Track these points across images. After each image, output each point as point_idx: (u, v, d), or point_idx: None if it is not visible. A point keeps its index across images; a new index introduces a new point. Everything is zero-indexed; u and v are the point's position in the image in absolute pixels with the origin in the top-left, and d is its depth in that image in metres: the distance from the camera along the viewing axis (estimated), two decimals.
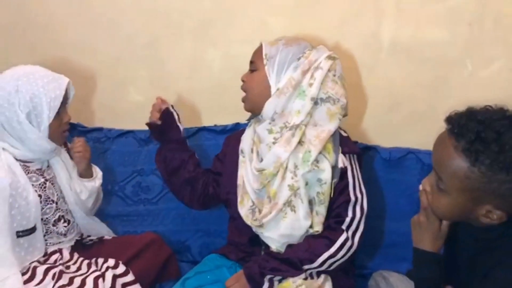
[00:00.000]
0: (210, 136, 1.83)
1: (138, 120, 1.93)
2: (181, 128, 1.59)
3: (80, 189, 1.56)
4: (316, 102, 1.40)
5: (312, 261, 1.35)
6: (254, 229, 1.46)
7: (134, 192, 1.86)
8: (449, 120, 1.01)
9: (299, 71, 1.40)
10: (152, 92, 1.93)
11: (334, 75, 1.42)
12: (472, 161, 0.95)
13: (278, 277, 1.36)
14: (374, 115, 1.77)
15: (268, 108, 1.41)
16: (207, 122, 1.87)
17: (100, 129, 1.90)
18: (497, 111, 0.99)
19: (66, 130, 1.51)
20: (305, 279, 1.36)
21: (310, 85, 1.39)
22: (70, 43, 1.93)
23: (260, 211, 1.44)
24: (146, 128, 1.90)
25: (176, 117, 1.58)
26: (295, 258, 1.36)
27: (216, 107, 1.88)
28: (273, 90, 1.42)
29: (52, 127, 1.43)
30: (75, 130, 1.80)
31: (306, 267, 1.36)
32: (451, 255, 1.20)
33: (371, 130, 1.78)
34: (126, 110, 1.97)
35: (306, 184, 1.38)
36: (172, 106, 1.59)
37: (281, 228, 1.41)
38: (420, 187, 1.11)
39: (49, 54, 1.85)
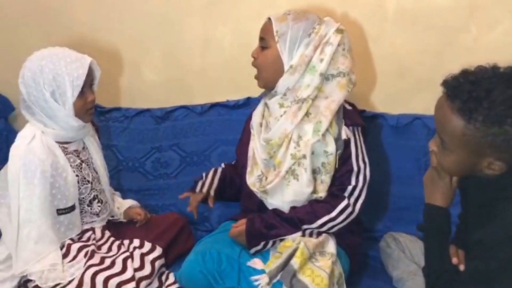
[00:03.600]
0: (223, 112, 1.87)
1: (154, 98, 2.00)
2: (209, 187, 1.63)
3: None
4: (327, 78, 1.43)
5: (312, 222, 1.41)
6: (259, 195, 1.52)
7: (154, 168, 1.91)
8: (445, 83, 1.06)
9: (311, 48, 1.42)
10: (165, 71, 2.00)
11: (344, 49, 1.45)
12: (467, 119, 1.01)
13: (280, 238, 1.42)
14: (381, 84, 1.78)
15: (282, 85, 1.45)
16: (220, 98, 1.90)
17: (118, 109, 1.96)
18: (487, 70, 1.04)
19: (91, 108, 1.53)
20: (303, 236, 1.41)
21: (321, 60, 1.42)
22: (83, 28, 1.98)
23: (266, 179, 1.50)
24: (162, 106, 1.97)
25: (206, 188, 1.62)
26: (295, 218, 1.42)
27: (228, 83, 1.91)
28: (286, 67, 1.44)
29: (76, 105, 1.46)
30: (94, 110, 1.86)
31: (305, 227, 1.42)
32: (463, 213, 1.25)
33: (379, 98, 1.79)
34: (142, 89, 2.02)
35: (313, 153, 1.43)
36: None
37: (284, 196, 1.47)
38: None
39: (63, 39, 1.88)
